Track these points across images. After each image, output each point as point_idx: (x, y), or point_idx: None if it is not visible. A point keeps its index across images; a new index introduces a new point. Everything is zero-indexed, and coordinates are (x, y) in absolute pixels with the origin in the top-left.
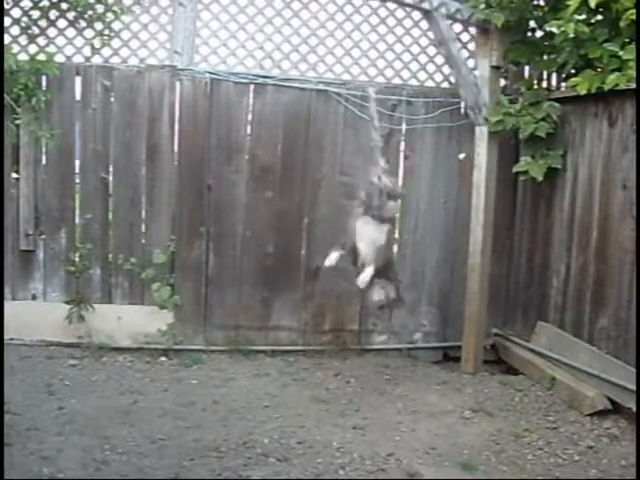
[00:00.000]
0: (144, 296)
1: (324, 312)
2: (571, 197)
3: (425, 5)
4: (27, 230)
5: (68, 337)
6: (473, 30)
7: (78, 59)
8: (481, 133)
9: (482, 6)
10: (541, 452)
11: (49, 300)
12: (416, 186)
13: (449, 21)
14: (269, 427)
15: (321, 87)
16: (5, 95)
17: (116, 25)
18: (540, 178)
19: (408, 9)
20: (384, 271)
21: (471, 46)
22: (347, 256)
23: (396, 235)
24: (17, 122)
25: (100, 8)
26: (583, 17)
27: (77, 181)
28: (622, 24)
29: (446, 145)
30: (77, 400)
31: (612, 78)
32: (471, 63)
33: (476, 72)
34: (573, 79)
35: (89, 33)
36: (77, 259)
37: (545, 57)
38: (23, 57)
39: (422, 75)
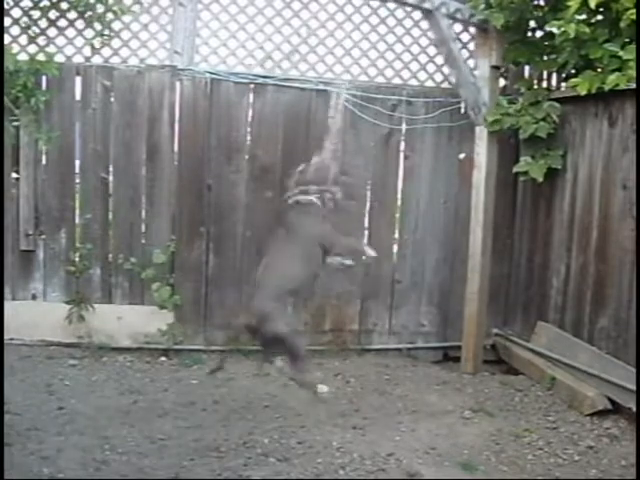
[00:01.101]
0: (144, 296)
1: (324, 312)
2: (571, 197)
3: (426, 5)
4: (27, 230)
5: (68, 337)
6: (473, 30)
7: (78, 59)
8: (481, 133)
9: (482, 6)
10: (541, 452)
11: (49, 300)
12: (416, 186)
13: (449, 21)
14: (269, 427)
15: (321, 87)
16: (4, 96)
17: (116, 25)
18: (540, 179)
19: (408, 9)
20: None
21: (471, 46)
22: None
23: (396, 235)
24: (15, 124)
25: (100, 8)
26: (583, 17)
27: (77, 181)
28: (622, 24)
29: (446, 145)
30: (77, 400)
31: (612, 78)
32: (471, 63)
33: (476, 72)
34: (573, 79)
35: (89, 33)
36: (77, 259)
37: (545, 57)
38: (23, 57)
39: (422, 75)
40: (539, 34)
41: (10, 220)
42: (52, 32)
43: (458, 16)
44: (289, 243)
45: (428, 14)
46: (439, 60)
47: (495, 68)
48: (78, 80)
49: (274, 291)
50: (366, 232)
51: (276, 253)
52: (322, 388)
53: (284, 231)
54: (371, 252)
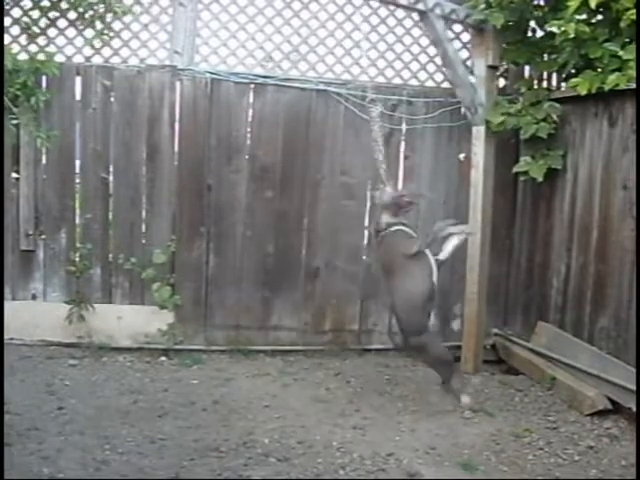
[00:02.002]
0: (144, 296)
1: (324, 312)
2: (571, 197)
3: (420, 6)
4: (27, 230)
5: (68, 337)
6: (470, 30)
7: (78, 59)
8: (478, 133)
9: (482, 6)
10: (541, 452)
11: (49, 300)
12: (416, 186)
13: (444, 22)
14: (269, 427)
15: (321, 87)
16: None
17: (116, 25)
18: (540, 179)
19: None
20: None
21: (470, 46)
22: None
23: None
24: (14, 122)
25: (100, 8)
26: (583, 17)
27: (77, 181)
28: (622, 24)
29: (446, 145)
30: (77, 400)
31: (612, 78)
32: (470, 63)
33: (473, 72)
34: (573, 79)
35: (89, 33)
36: (77, 259)
37: (545, 57)
38: (23, 57)
39: (422, 75)
40: (539, 34)
41: (10, 220)
42: (52, 32)
43: (453, 17)
44: (401, 267)
45: (422, 15)
46: (439, 60)
47: (492, 68)
48: (78, 80)
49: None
50: (365, 232)
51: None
52: (465, 399)
53: (392, 257)
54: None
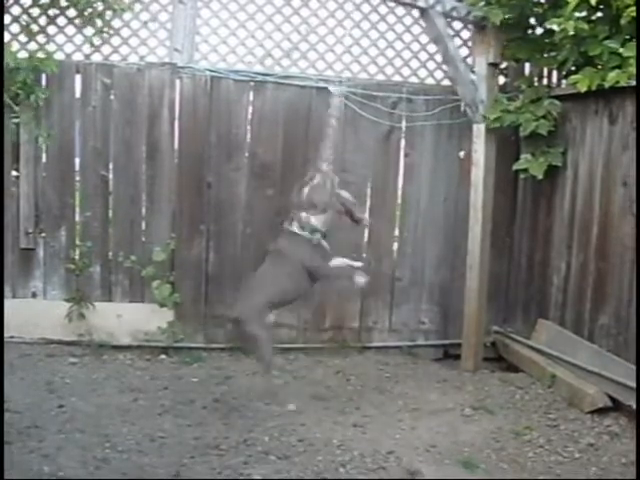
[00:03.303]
0: (144, 294)
1: (324, 310)
2: (571, 194)
3: (421, 3)
4: (27, 228)
5: (68, 335)
6: (471, 27)
7: (78, 57)
8: (478, 130)
9: (481, 3)
10: (541, 450)
11: (49, 298)
12: (416, 184)
13: (445, 18)
14: (269, 425)
15: (321, 85)
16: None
17: (116, 23)
18: (540, 176)
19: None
20: None
21: (471, 43)
22: None
23: (396, 232)
24: (15, 121)
25: (100, 5)
26: (583, 14)
27: (77, 179)
28: (622, 21)
29: (446, 143)
30: (77, 398)
31: (612, 75)
32: (471, 60)
33: (474, 69)
34: (573, 76)
35: (89, 31)
36: (77, 257)
37: (545, 54)
38: (23, 55)
39: (422, 72)
40: (539, 31)
41: (10, 218)
42: (52, 30)
43: (454, 14)
44: (279, 262)
45: (423, 12)
46: (439, 57)
47: (493, 65)
48: (78, 78)
49: (257, 299)
50: (366, 231)
51: (267, 268)
52: (291, 407)
53: (278, 251)
54: (361, 280)
